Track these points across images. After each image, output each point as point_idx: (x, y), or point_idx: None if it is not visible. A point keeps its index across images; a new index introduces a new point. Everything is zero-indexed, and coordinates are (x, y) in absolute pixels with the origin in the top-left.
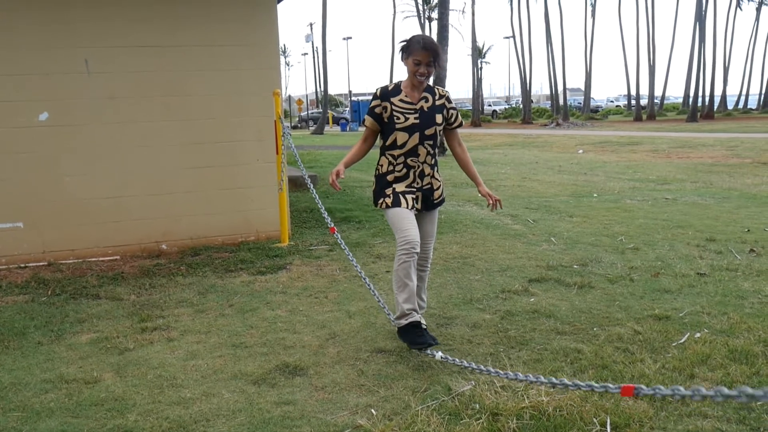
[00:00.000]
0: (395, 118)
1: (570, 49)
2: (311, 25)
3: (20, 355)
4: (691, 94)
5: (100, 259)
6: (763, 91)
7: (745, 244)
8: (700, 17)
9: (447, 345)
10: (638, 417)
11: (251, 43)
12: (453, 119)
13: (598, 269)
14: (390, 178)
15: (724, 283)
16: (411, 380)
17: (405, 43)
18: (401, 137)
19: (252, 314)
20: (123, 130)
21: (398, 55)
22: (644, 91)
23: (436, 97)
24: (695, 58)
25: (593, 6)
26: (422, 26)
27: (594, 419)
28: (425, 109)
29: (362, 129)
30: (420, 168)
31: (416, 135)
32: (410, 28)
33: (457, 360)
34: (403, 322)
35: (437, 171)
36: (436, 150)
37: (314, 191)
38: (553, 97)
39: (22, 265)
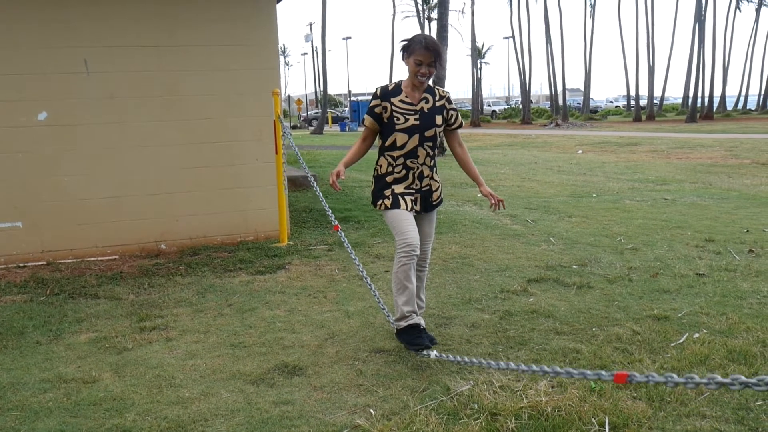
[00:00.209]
0: (395, 118)
1: (569, 50)
2: (311, 25)
3: (19, 354)
4: (691, 94)
5: (99, 258)
6: (763, 92)
7: (744, 244)
8: (699, 18)
9: (446, 345)
10: (637, 417)
11: (251, 43)
12: (453, 120)
13: (597, 269)
14: (389, 179)
15: (723, 284)
16: (410, 380)
17: (406, 42)
18: (401, 138)
19: (251, 314)
20: (122, 130)
21: (398, 55)
22: (644, 91)
23: (437, 98)
24: (695, 58)
25: (593, 6)
26: (422, 26)
27: (592, 419)
28: (425, 110)
29: (361, 129)
30: (419, 169)
31: (416, 136)
32: (410, 28)
33: (451, 356)
34: (403, 324)
35: (436, 172)
36: (436, 151)
37: (318, 189)
38: (553, 97)
39: (21, 265)
